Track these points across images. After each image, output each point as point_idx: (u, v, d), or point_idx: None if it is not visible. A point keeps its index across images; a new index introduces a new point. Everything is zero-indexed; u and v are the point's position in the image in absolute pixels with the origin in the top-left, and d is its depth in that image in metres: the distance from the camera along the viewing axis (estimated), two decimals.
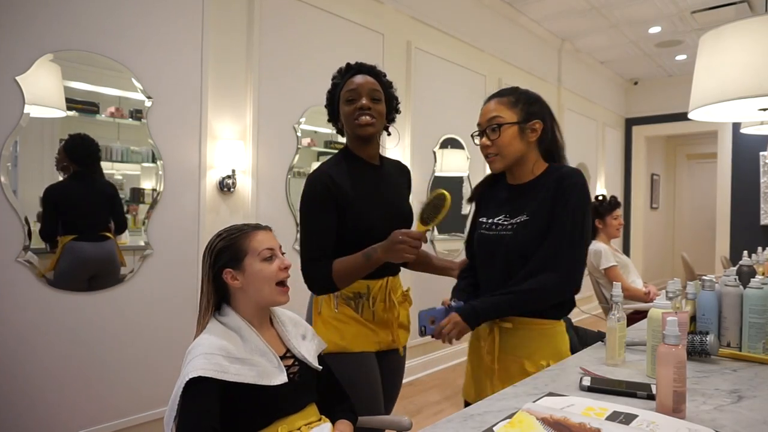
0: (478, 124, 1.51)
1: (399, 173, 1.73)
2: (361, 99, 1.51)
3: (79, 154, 2.19)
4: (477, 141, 1.52)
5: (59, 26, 2.13)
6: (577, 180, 1.43)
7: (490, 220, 1.53)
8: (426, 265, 1.79)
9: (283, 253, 1.27)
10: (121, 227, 2.36)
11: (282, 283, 1.23)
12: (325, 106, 1.63)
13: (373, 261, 1.45)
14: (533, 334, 1.45)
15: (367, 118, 1.51)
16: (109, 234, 2.31)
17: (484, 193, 1.63)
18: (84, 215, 2.24)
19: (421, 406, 3.31)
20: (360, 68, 1.57)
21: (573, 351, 1.49)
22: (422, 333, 1.51)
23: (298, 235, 3.10)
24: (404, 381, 1.94)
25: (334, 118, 1.62)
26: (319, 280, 1.50)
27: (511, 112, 1.45)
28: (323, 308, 1.55)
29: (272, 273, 1.21)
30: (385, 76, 1.61)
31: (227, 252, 1.21)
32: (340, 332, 1.52)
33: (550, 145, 1.51)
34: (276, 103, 2.97)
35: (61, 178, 2.16)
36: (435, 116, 4.09)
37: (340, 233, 1.52)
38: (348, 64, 1.59)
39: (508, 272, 1.45)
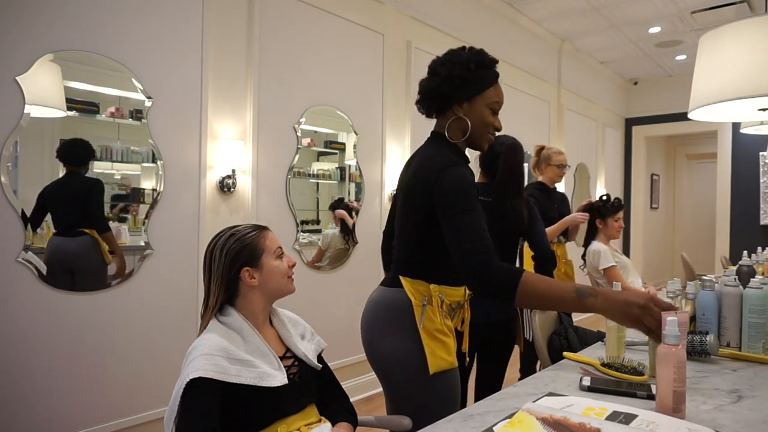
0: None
1: None
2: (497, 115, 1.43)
3: (68, 156, 2.21)
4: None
5: (59, 26, 2.13)
6: None
7: None
8: None
9: None
10: (97, 223, 2.31)
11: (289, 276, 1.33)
12: (444, 83, 1.38)
13: (584, 306, 1.16)
14: None
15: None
16: (87, 230, 2.29)
17: None
18: (61, 212, 2.24)
19: None
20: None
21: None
22: None
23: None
24: None
25: (446, 98, 1.39)
26: (501, 283, 1.21)
27: None
28: (426, 321, 1.37)
29: (285, 269, 1.29)
30: None
31: (245, 252, 1.23)
32: (447, 348, 1.40)
33: None
34: (276, 103, 2.97)
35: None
36: None
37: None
38: (493, 61, 1.41)
39: None
